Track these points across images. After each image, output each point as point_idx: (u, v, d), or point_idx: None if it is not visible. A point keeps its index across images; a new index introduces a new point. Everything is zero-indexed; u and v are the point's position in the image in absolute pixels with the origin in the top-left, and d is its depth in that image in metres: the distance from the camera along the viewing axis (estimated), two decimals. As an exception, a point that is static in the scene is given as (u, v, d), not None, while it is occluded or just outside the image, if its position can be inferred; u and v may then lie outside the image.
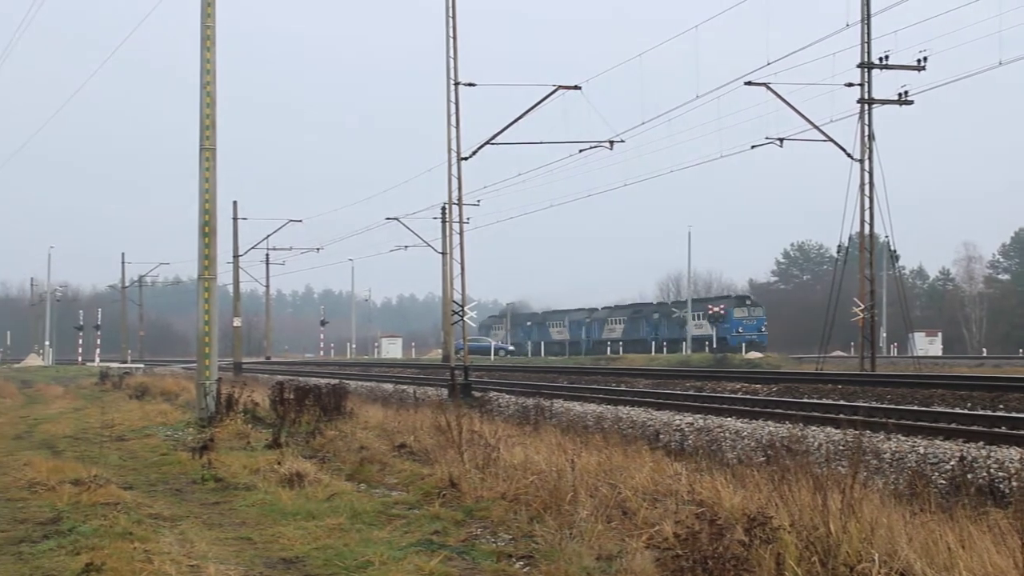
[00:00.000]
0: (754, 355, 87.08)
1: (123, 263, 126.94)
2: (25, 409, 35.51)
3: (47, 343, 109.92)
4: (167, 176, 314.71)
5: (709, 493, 11.31)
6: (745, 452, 18.89)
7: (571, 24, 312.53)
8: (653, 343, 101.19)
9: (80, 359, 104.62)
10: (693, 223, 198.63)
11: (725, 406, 26.51)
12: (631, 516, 10.86)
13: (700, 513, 9.49)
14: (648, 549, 9.49)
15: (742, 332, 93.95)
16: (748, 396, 31.40)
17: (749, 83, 42.50)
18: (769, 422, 22.74)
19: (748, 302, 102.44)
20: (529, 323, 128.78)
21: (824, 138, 44.42)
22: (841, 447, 17.66)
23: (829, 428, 20.58)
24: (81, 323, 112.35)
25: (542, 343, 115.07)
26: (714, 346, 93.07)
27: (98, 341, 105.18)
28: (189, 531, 11.53)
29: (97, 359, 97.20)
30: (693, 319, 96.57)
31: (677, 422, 24.07)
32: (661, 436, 21.80)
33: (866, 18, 43.40)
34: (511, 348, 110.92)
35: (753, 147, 45.57)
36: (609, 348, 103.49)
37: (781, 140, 45.25)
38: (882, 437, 19.09)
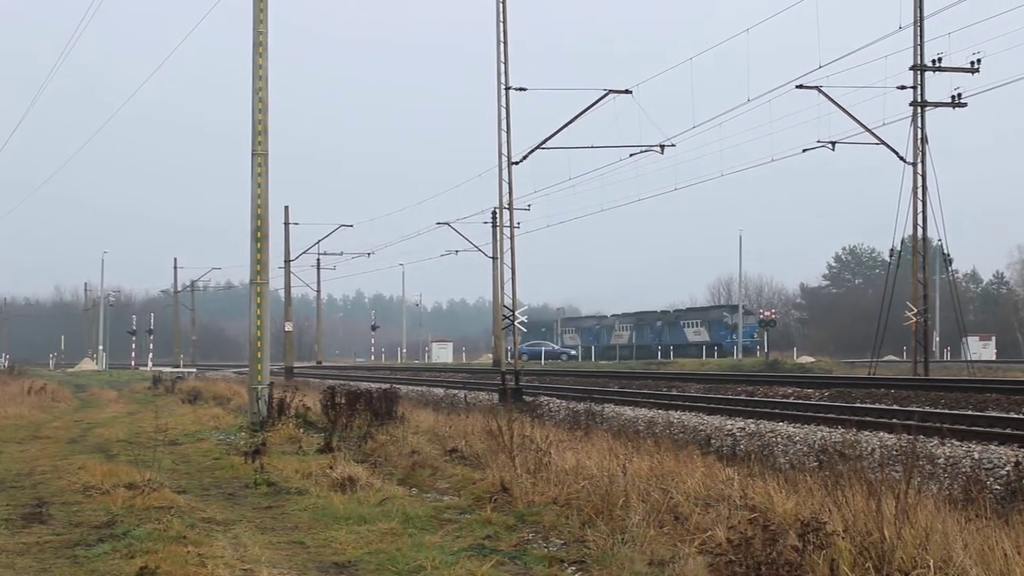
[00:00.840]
0: (806, 359, 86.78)
1: (175, 268, 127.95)
2: (79, 413, 35.80)
3: (100, 348, 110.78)
4: (220, 181, 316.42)
5: (761, 498, 11.25)
6: (797, 457, 18.80)
7: (620, 26, 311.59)
8: (660, 349, 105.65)
9: (133, 363, 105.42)
10: (744, 227, 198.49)
11: (776, 411, 26.38)
12: (683, 521, 10.83)
13: (753, 518, 9.45)
14: (700, 554, 9.45)
15: (736, 339, 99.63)
16: (800, 401, 31.22)
17: (801, 86, 42.31)
18: (821, 427, 22.62)
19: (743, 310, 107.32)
20: (543, 329, 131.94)
21: (876, 141, 44.16)
22: (895, 452, 17.56)
23: (882, 433, 20.46)
24: (134, 328, 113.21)
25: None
26: (712, 350, 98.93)
27: (151, 346, 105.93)
28: (242, 535, 11.58)
29: (150, 363, 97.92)
30: (691, 327, 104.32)
31: (728, 427, 23.98)
32: (712, 441, 21.72)
33: (919, 20, 43.15)
34: (574, 353, 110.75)
35: (804, 150, 45.38)
36: (618, 353, 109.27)
37: (833, 143, 45.02)
38: (936, 442, 18.94)
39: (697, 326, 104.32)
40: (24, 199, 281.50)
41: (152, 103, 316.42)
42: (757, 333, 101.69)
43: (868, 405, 28.33)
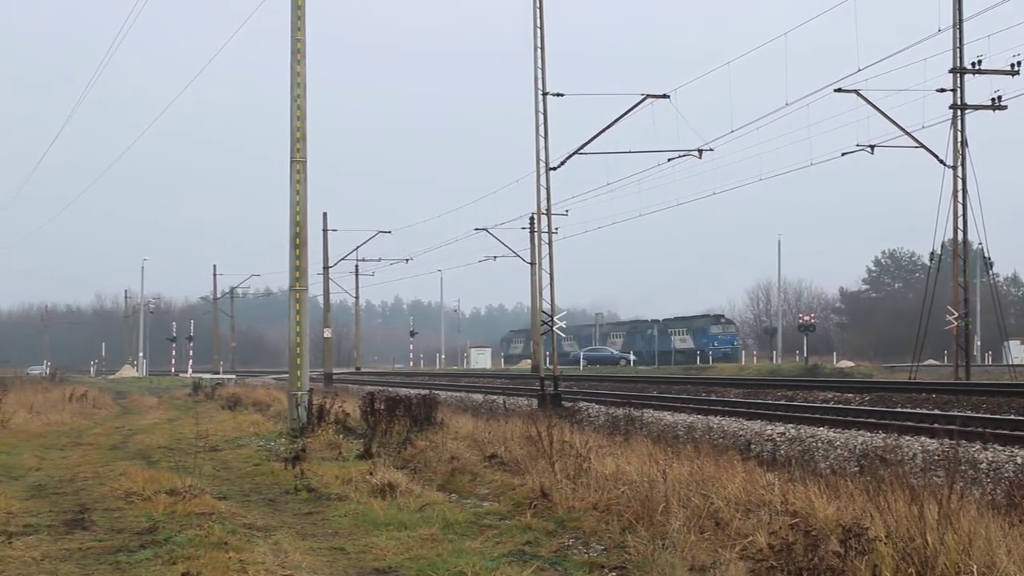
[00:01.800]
0: (845, 364, 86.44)
1: (215, 275, 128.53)
2: (120, 420, 35.97)
3: (141, 354, 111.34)
4: (260, 188, 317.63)
5: (803, 503, 11.20)
6: (838, 462, 18.72)
7: (660, 31, 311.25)
8: (656, 354, 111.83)
9: (173, 370, 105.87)
10: (783, 231, 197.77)
11: (817, 416, 26.29)
12: (724, 527, 10.78)
13: (794, 524, 9.42)
14: (742, 560, 9.42)
15: (718, 346, 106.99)
16: (840, 406, 31.08)
17: (839, 90, 42.15)
18: (862, 432, 22.54)
19: (722, 320, 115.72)
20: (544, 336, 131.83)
21: (916, 145, 43.96)
22: (937, 457, 17.48)
23: (924, 438, 20.38)
24: (174, 334, 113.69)
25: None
26: (696, 356, 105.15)
27: (191, 352, 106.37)
28: (283, 541, 11.61)
29: (190, 370, 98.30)
30: (677, 335, 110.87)
31: (769, 432, 23.92)
32: (753, 446, 21.64)
33: (958, 23, 42.95)
34: (633, 357, 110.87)
35: (843, 154, 45.19)
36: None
37: (872, 147, 44.81)
38: (978, 447, 18.86)
39: (683, 334, 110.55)
40: (65, 207, 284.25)
41: (192, 114, 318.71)
42: (737, 341, 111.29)
43: (909, 410, 28.21)
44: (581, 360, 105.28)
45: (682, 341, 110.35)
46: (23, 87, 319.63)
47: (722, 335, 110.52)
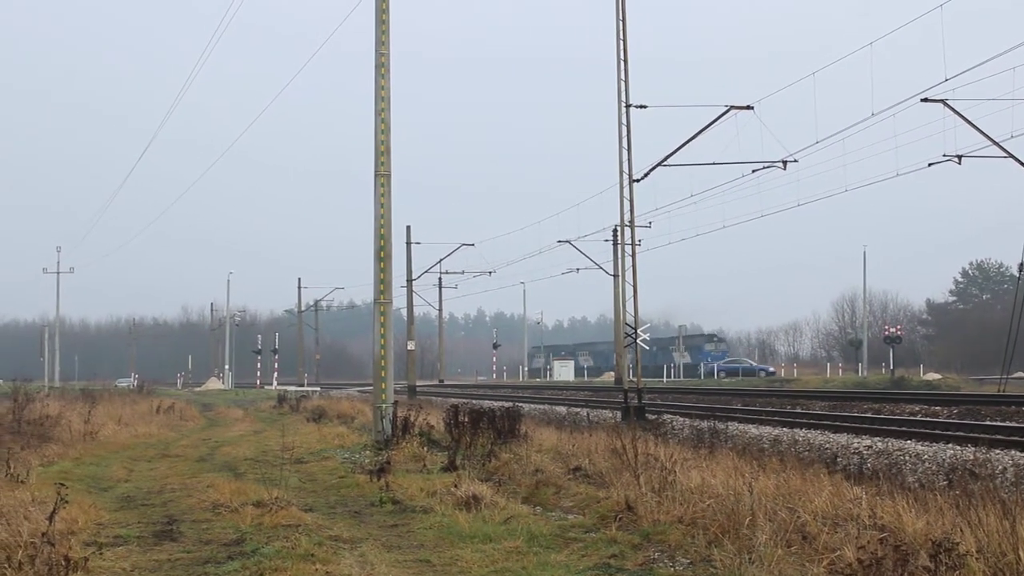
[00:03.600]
0: (932, 376, 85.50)
1: (299, 288, 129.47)
2: (207, 432, 36.35)
3: (227, 367, 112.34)
4: (344, 202, 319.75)
5: (891, 518, 11.08)
6: (926, 476, 18.51)
7: (741, 44, 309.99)
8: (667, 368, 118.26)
9: (258, 382, 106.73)
10: (868, 243, 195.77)
11: (904, 429, 26.01)
12: (811, 541, 10.68)
13: (883, 538, 9.32)
14: (830, 575, 9.34)
15: (711, 362, 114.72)
16: (928, 419, 30.72)
17: (925, 100, 41.67)
18: (951, 445, 22.27)
19: (715, 339, 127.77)
20: (563, 352, 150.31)
21: (1004, 155, 43.38)
22: (1028, 471, 17.23)
23: (1015, 452, 20.10)
24: (259, 347, 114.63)
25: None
26: (698, 371, 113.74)
27: (275, 364, 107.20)
28: (369, 553, 11.66)
29: (274, 382, 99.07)
30: (678, 351, 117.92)
31: (855, 445, 23.69)
32: (839, 459, 21.45)
33: (1047, 30, 42.36)
34: (772, 370, 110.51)
35: (930, 165, 44.64)
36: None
37: (959, 157, 44.25)
38: (1071, 461, 18.56)
39: (683, 351, 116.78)
40: (152, 222, 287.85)
41: (275, 130, 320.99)
42: (727, 358, 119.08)
43: (999, 423, 27.83)
44: (716, 372, 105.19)
45: (682, 357, 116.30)
46: (110, 104, 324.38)
47: (715, 352, 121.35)
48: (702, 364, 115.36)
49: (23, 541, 10.56)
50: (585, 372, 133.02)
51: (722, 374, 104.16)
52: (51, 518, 10.70)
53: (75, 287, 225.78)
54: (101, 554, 11.24)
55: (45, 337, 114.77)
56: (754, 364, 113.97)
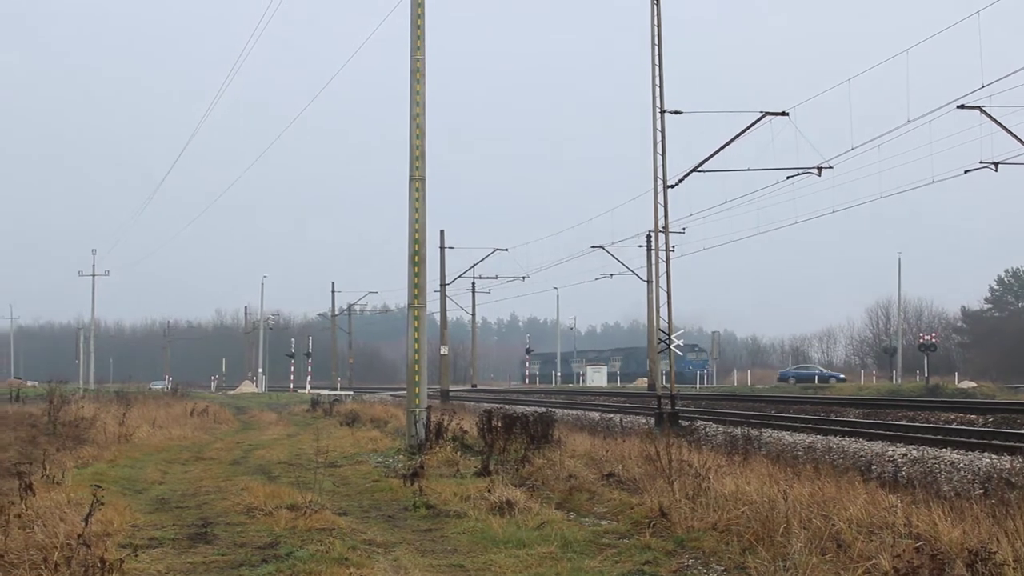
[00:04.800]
0: (967, 384, 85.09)
1: (333, 292, 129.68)
2: (240, 435, 36.45)
3: (260, 370, 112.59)
4: (378, 206, 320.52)
5: (926, 526, 11.01)
6: (962, 484, 18.40)
7: (779, 50, 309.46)
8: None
9: (291, 386, 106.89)
10: (903, 250, 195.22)
11: (939, 437, 25.87)
12: (846, 549, 10.63)
13: (919, 547, 9.27)
14: (865, 583, 9.29)
15: (692, 369, 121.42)
16: (963, 427, 30.55)
17: (962, 106, 41.46)
18: (986, 453, 22.14)
19: (696, 349, 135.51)
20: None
21: (1041, 161, 43.09)
22: (1065, 480, 17.10)
23: (1051, 460, 19.94)
24: (292, 351, 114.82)
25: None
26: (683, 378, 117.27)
27: (309, 368, 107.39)
28: (403, 557, 11.67)
29: (308, 386, 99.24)
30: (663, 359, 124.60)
31: (890, 453, 23.58)
32: (873, 467, 21.35)
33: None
34: (842, 377, 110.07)
35: (966, 172, 44.41)
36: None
37: (996, 164, 44.02)
38: (1109, 470, 18.42)
39: (716, 356, 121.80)
40: (188, 224, 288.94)
41: (308, 134, 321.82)
42: (707, 367, 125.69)
43: (1035, 432, 27.63)
44: (790, 378, 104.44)
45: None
46: (145, 110, 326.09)
47: (696, 360, 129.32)
48: (684, 371, 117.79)
49: (59, 543, 10.61)
50: (618, 377, 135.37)
51: (792, 379, 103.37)
52: (87, 520, 10.76)
53: (110, 290, 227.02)
54: (136, 556, 11.30)
55: (80, 340, 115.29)
56: (825, 371, 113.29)
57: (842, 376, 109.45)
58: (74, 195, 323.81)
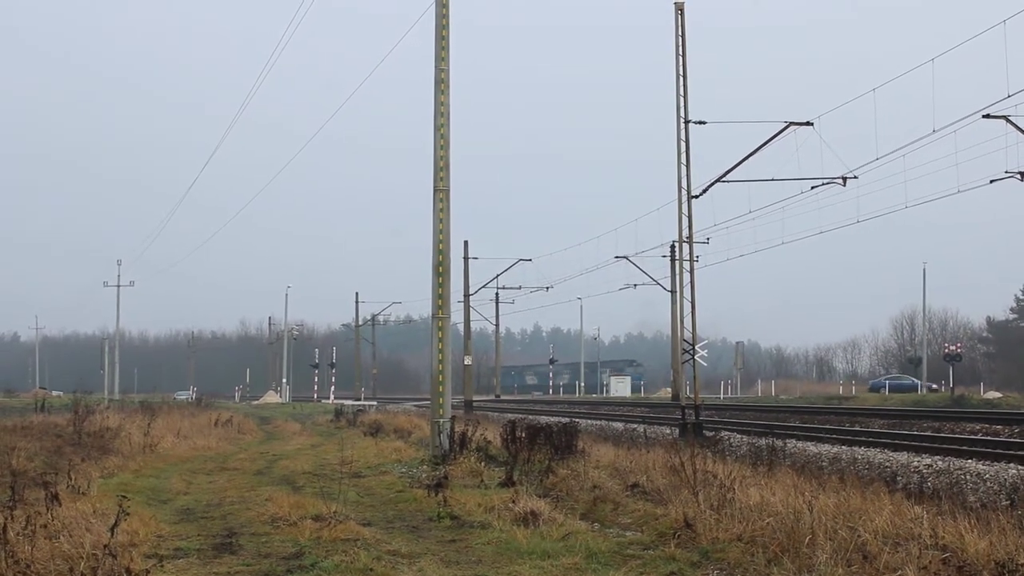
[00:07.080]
0: (993, 395, 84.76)
1: (357, 302, 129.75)
2: (264, 445, 36.51)
3: (284, 380, 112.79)
4: (402, 216, 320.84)
5: (953, 538, 10.97)
6: (988, 495, 18.32)
7: (804, 62, 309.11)
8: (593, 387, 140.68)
9: (315, 396, 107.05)
10: (928, 260, 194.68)
11: (965, 448, 25.74)
12: (872, 560, 10.59)
13: (945, 558, 9.24)
14: (892, 595, 9.25)
15: (635, 380, 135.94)
16: (989, 437, 30.38)
17: (987, 116, 41.32)
18: (1012, 464, 22.02)
19: (634, 363, 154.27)
20: (512, 372, 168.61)
21: (1067, 170, 42.92)
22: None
23: (1078, 472, 19.83)
24: (316, 361, 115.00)
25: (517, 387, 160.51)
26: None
27: (333, 379, 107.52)
28: (427, 568, 11.67)
29: (332, 396, 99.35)
30: (616, 373, 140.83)
31: (915, 464, 23.47)
32: (899, 478, 21.28)
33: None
34: (935, 386, 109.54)
35: (992, 181, 44.26)
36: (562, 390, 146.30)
37: (1021, 174, 43.86)
38: None
39: (621, 373, 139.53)
40: (213, 235, 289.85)
41: (332, 146, 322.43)
42: (644, 380, 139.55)
43: (1062, 443, 27.47)
44: (886, 388, 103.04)
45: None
46: (168, 123, 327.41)
47: (635, 374, 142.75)
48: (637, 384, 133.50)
49: (85, 553, 10.64)
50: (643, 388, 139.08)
51: (883, 389, 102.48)
52: (113, 530, 10.78)
53: (135, 301, 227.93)
54: (162, 566, 11.33)
55: (105, 350, 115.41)
56: (917, 381, 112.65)
57: (934, 385, 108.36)
58: (99, 206, 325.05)
